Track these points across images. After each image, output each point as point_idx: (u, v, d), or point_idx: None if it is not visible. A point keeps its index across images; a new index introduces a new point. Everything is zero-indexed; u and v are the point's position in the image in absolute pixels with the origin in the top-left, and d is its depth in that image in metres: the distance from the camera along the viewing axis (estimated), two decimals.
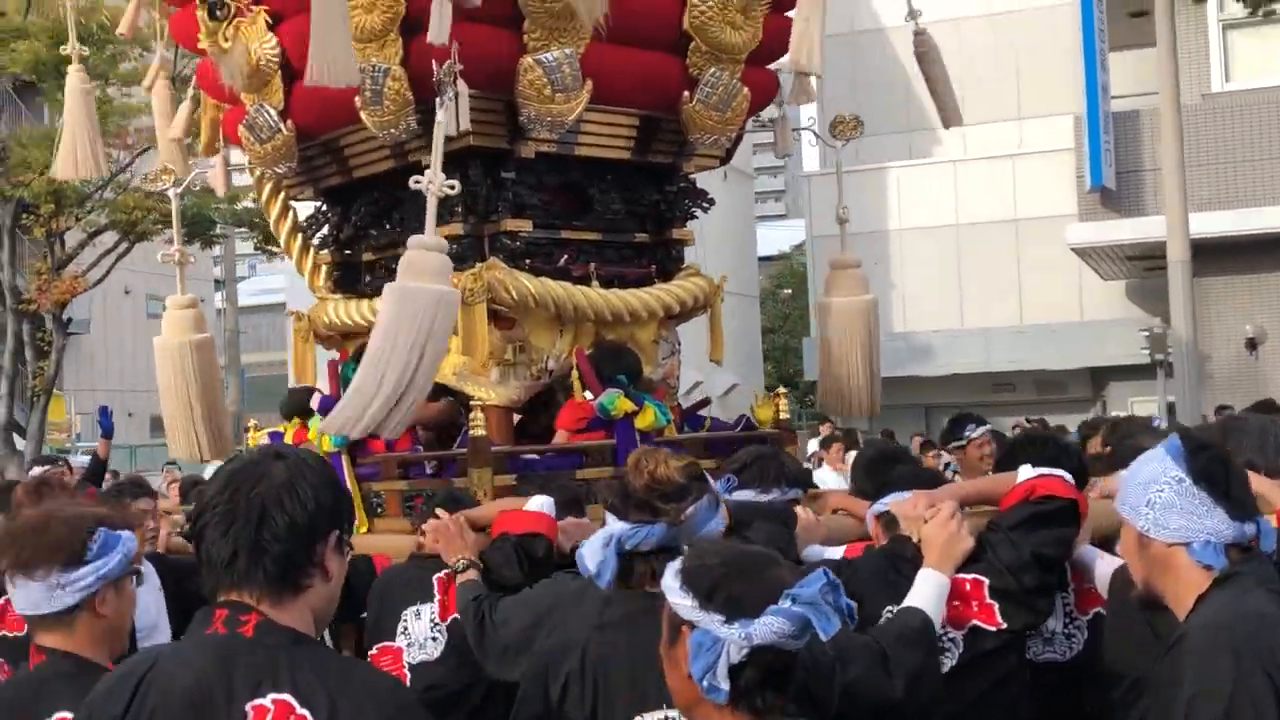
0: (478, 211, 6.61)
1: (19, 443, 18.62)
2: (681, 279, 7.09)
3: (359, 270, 7.22)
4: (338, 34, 5.38)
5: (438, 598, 4.38)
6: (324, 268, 7.46)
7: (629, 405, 6.19)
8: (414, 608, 4.42)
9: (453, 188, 5.60)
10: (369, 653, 4.46)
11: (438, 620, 4.36)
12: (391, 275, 6.62)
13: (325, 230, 7.44)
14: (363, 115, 6.19)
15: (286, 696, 2.18)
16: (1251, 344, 17.10)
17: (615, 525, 2.99)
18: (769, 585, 2.17)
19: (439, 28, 5.38)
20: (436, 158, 5.53)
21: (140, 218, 19.58)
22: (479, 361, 6.36)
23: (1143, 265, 20.84)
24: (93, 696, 2.31)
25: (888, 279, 25.65)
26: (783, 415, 6.92)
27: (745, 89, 6.83)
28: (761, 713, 2.17)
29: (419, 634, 4.37)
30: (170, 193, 7.89)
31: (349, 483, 6.14)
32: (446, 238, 6.41)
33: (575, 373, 6.59)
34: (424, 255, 5.43)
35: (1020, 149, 25.40)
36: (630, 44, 6.49)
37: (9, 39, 18.41)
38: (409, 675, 4.28)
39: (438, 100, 5.52)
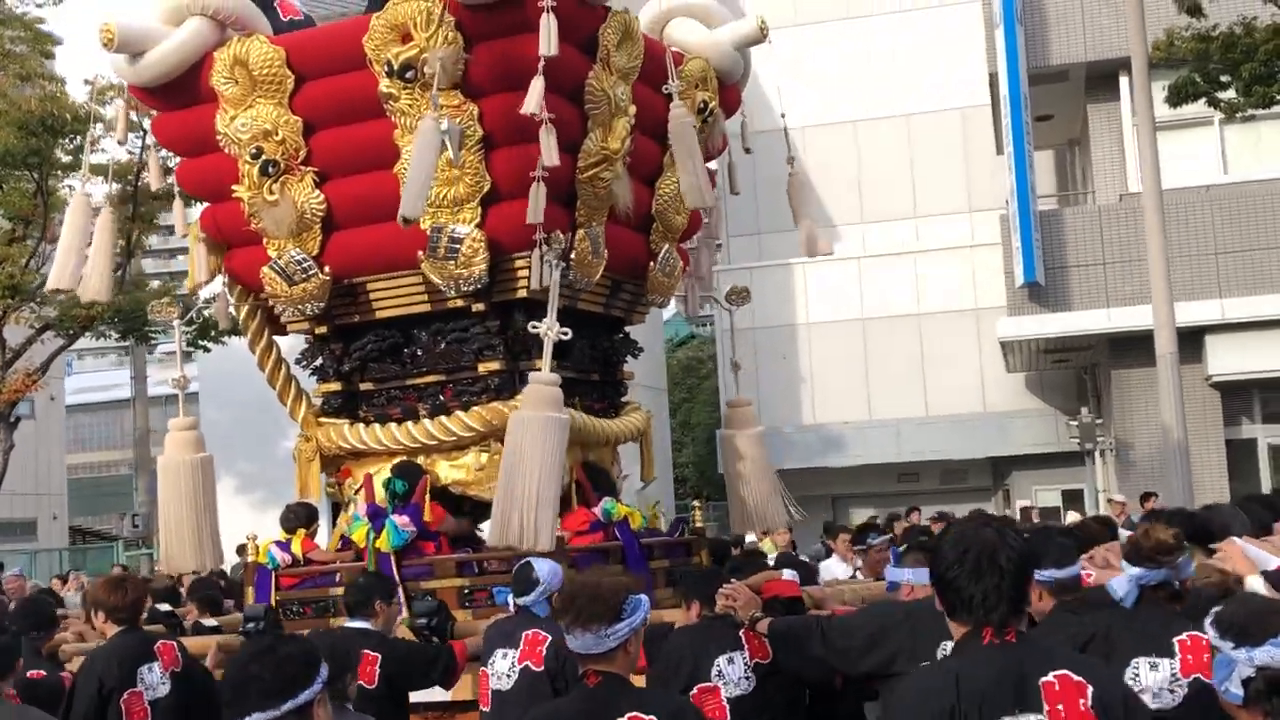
0: (513, 352, 7.48)
1: None
2: (628, 413, 8.56)
3: (356, 399, 7.91)
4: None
5: (746, 646, 5.56)
6: (306, 397, 8.12)
7: (625, 509, 7.63)
8: (726, 655, 5.56)
9: (566, 334, 6.72)
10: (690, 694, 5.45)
11: (749, 662, 5.56)
12: (390, 404, 7.84)
13: (321, 361, 8.03)
14: (426, 267, 7.06)
15: (1065, 671, 3.24)
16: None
17: (1132, 569, 4.47)
18: (1272, 625, 3.20)
19: (536, 209, 6.56)
20: (552, 309, 6.69)
21: (100, 314, 19.17)
22: None
23: (1052, 358, 21.68)
24: (918, 691, 3.43)
25: (797, 372, 26.26)
26: (698, 525, 8.65)
27: (680, 261, 8.62)
28: (1271, 714, 3.14)
29: (732, 675, 5.53)
30: (174, 323, 8.57)
31: (394, 580, 6.85)
32: (490, 373, 7.46)
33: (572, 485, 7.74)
34: (540, 389, 6.64)
35: (918, 246, 26.24)
36: (618, 223, 7.84)
37: None
38: (727, 707, 5.48)
39: (546, 262, 6.75)
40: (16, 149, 18.05)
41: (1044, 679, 3.22)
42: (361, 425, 7.72)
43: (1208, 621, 3.35)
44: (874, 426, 25.34)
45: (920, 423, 25.08)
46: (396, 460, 7.54)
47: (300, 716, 3.18)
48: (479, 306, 7.25)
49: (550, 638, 5.68)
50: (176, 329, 8.66)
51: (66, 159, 19.10)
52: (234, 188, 7.28)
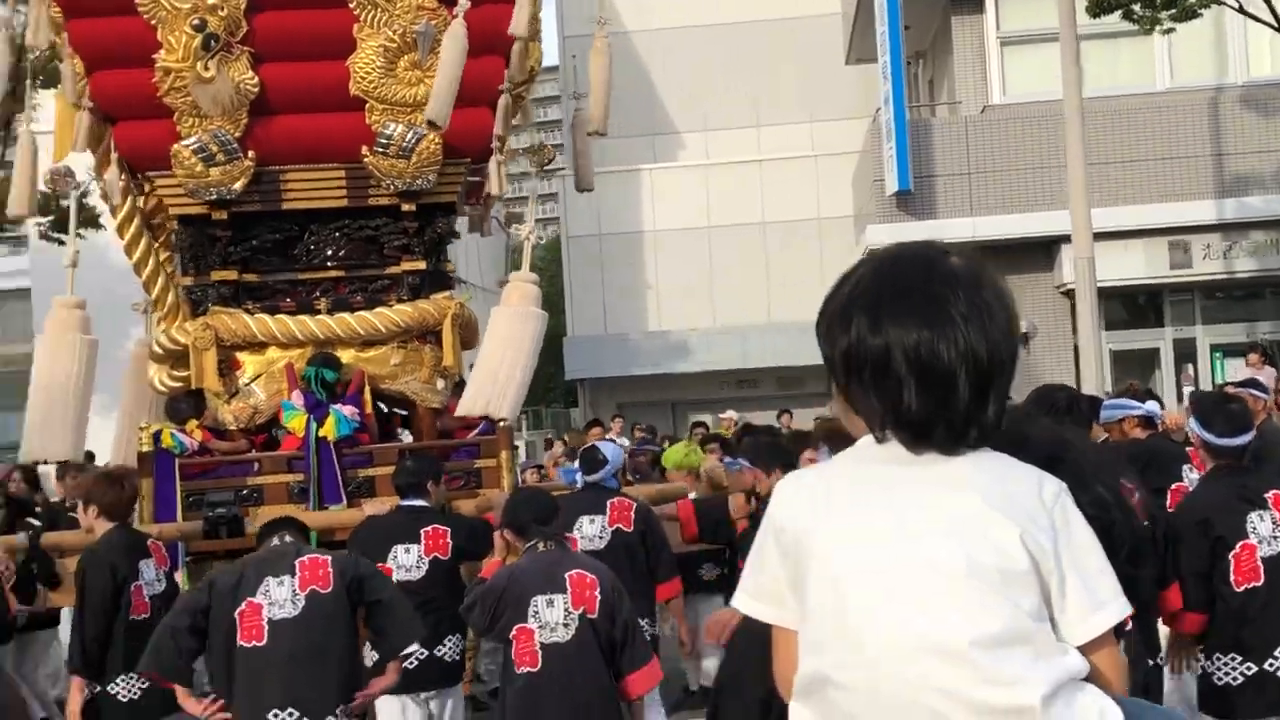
0: (430, 252, 7.65)
1: None
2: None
3: (240, 289, 7.77)
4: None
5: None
6: (174, 287, 7.89)
7: None
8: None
9: (541, 239, 6.89)
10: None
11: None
12: (278, 296, 7.79)
13: (201, 249, 7.74)
14: (371, 160, 7.08)
15: None
16: (1025, 339, 18.53)
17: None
18: None
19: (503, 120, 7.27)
20: (531, 213, 7.20)
21: None
22: (438, 373, 7.60)
23: None
24: None
25: (643, 279, 26.32)
26: None
27: None
28: None
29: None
30: (72, 192, 8.24)
31: (335, 468, 7.01)
32: (412, 272, 7.48)
33: None
34: (525, 286, 7.11)
35: (760, 155, 26.44)
36: None
37: None
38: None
39: (491, 166, 7.30)
40: None
41: None
42: (243, 315, 7.63)
43: None
44: (718, 333, 25.62)
45: (764, 329, 25.43)
46: (313, 351, 7.49)
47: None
48: (409, 206, 7.30)
49: (635, 504, 6.19)
50: (73, 201, 8.31)
51: None
52: (157, 57, 7.01)
